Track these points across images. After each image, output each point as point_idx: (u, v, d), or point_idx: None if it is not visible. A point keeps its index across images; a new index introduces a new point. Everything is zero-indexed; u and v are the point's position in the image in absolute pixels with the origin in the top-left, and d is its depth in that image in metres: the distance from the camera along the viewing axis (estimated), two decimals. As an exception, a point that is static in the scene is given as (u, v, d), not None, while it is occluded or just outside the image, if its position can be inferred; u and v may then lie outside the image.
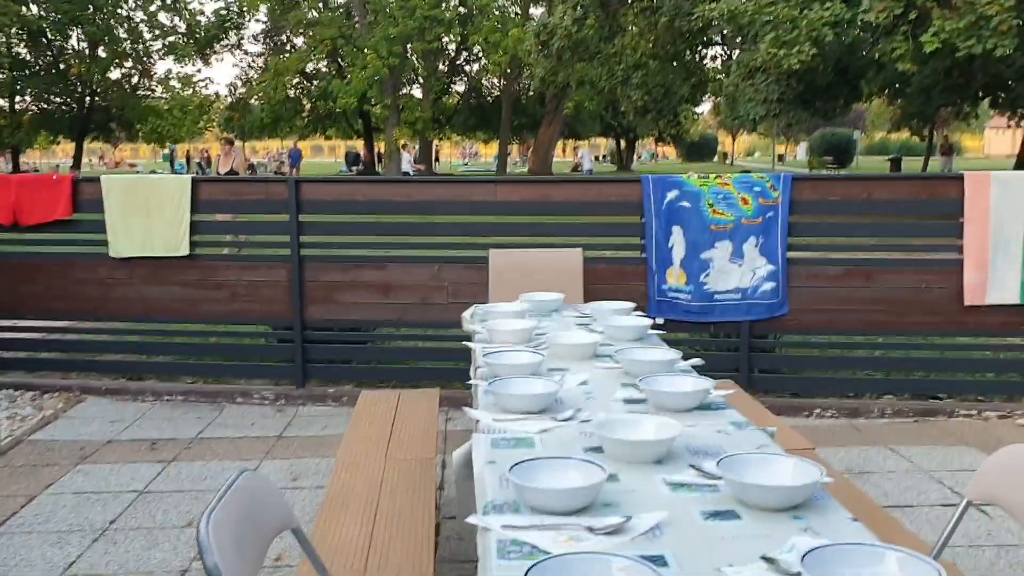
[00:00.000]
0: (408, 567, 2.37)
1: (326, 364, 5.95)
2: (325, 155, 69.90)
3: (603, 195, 5.69)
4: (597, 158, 56.40)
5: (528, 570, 1.39)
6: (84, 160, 34.50)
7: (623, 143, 51.73)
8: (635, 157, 56.43)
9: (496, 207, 5.73)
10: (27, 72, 29.06)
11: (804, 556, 1.41)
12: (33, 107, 30.48)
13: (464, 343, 3.53)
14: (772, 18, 15.55)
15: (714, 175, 5.63)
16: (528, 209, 5.73)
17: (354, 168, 41.00)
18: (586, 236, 5.71)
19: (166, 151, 40.59)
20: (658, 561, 1.56)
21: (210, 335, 6.13)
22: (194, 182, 5.74)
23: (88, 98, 30.74)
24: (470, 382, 3.00)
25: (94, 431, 5.22)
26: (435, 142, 43.25)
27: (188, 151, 40.80)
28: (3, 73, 27.82)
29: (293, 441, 5.06)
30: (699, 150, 61.60)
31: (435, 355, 5.99)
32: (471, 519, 1.78)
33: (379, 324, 5.92)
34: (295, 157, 38.74)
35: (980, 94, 20.13)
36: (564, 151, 59.71)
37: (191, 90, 31.81)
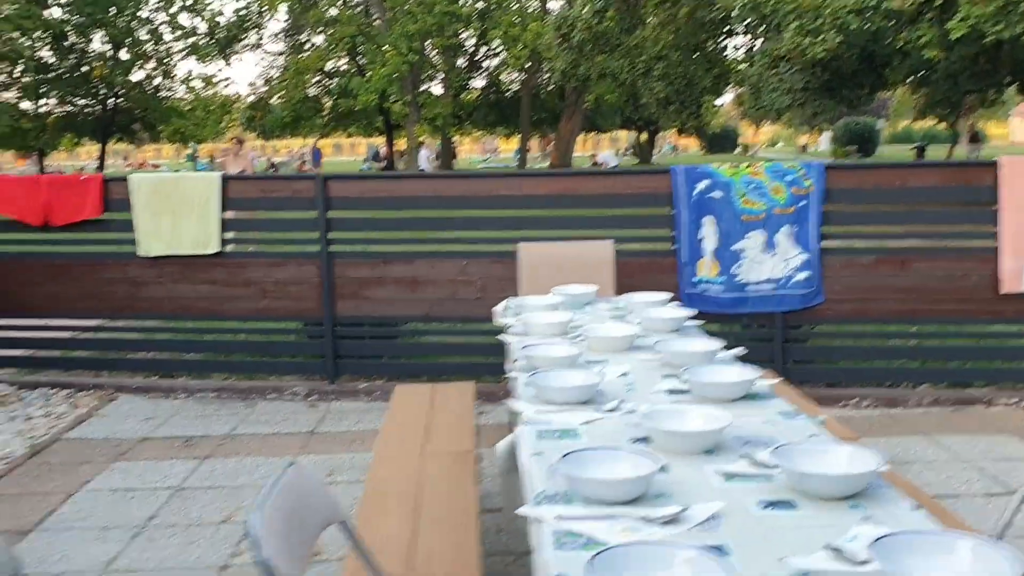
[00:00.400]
0: (454, 560, 2.35)
1: (357, 359, 5.95)
2: (345, 153, 70.04)
3: (631, 187, 5.65)
4: (618, 152, 56.14)
5: (593, 557, 1.37)
6: (108, 161, 34.77)
7: (644, 136, 51.51)
8: (656, 150, 56.19)
9: (523, 201, 5.70)
10: (51, 75, 29.28)
11: (873, 544, 1.38)
12: (57, 110, 30.72)
13: (495, 337, 3.51)
14: (795, 6, 15.41)
15: (745, 164, 5.58)
16: (556, 203, 5.70)
17: (375, 163, 41.08)
18: (614, 229, 5.66)
19: (189, 151, 40.84)
20: (718, 551, 1.53)
21: (241, 332, 6.14)
22: (223, 180, 5.75)
23: (111, 100, 30.96)
24: (508, 375, 2.97)
25: (128, 429, 5.25)
26: (454, 138, 43.24)
27: (212, 152, 41.00)
28: (28, 76, 28.05)
29: (327, 436, 5.06)
30: (721, 142, 61.22)
31: (464, 350, 5.97)
32: (522, 510, 1.76)
33: (408, 319, 5.92)
34: (316, 156, 38.87)
35: (1007, 80, 19.86)
36: (585, 145, 59.54)
37: (213, 90, 31.97)
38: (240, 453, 4.81)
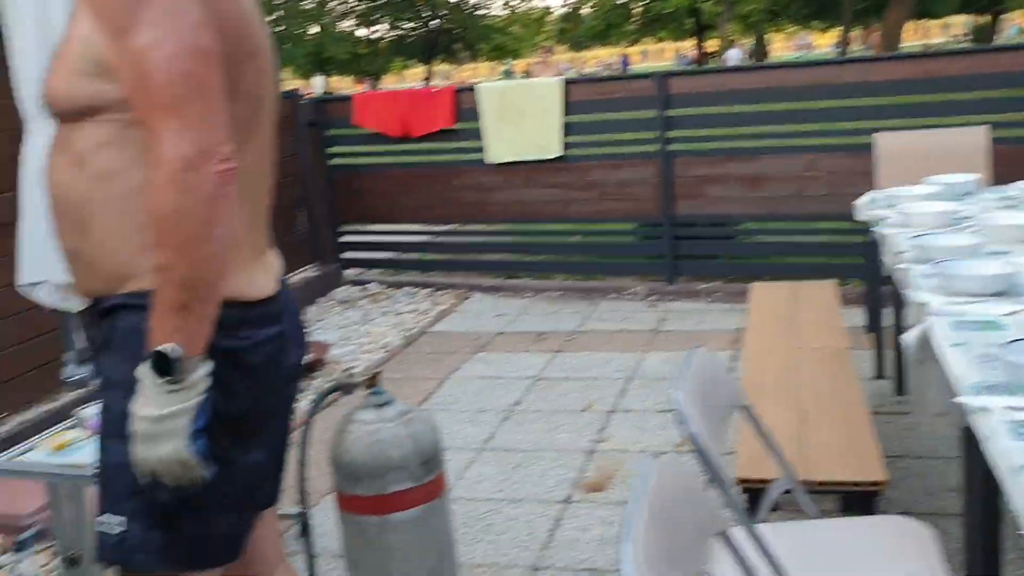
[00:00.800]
0: (851, 455, 2.29)
1: (695, 260, 5.92)
2: (652, 59, 69.11)
3: (1006, 65, 5.04)
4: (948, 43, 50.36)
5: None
6: (432, 83, 36.96)
7: (985, 19, 45.82)
8: (998, 35, 49.79)
9: (877, 88, 5.29)
10: (381, 2, 31.42)
11: None
12: (388, 35, 33.01)
13: (844, 236, 3.31)
14: None
15: None
16: (913, 88, 5.23)
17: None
18: (985, 114, 5.10)
19: (504, 68, 42.30)
20: None
21: (581, 234, 6.33)
22: (564, 84, 5.86)
23: (434, 21, 32.71)
24: (895, 267, 2.80)
25: (484, 324, 5.63)
26: (765, 36, 41.05)
27: (526, 68, 42.11)
28: (362, 5, 30.34)
29: (670, 335, 5.12)
30: (1083, 18, 52.86)
31: (810, 250, 5.73)
32: (961, 399, 1.65)
33: (749, 218, 5.78)
34: (624, 64, 38.74)
35: None
36: (913, 35, 54.04)
37: (527, 6, 32.76)
38: (589, 348, 4.99)
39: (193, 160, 1.32)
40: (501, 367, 4.82)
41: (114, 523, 1.47)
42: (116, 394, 1.45)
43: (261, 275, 1.61)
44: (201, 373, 1.38)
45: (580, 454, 3.67)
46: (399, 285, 6.55)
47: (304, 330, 1.76)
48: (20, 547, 3.08)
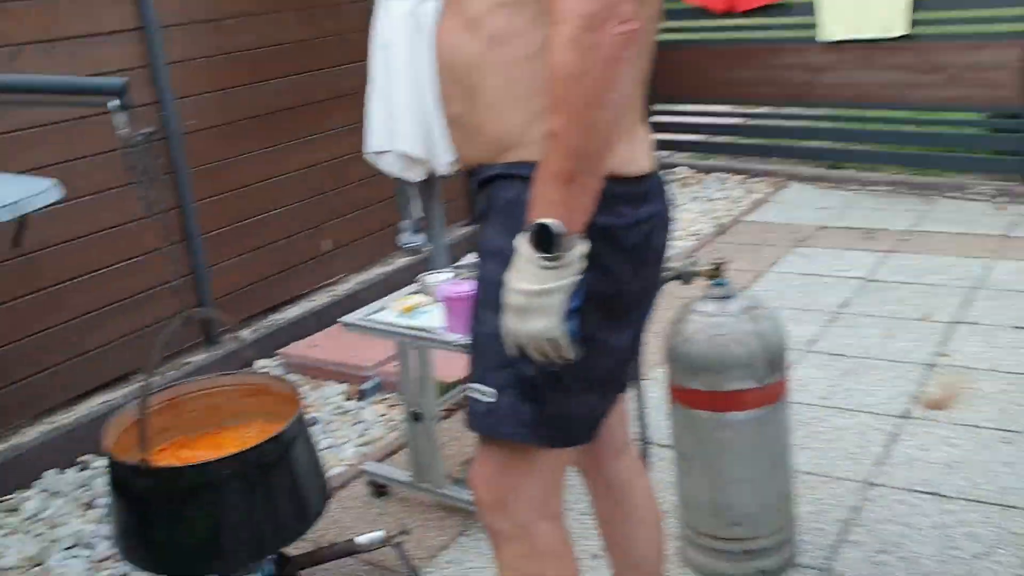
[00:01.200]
0: None
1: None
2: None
3: None
4: None
5: None
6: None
7: None
8: None
9: None
10: None
11: None
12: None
13: None
14: None
15: None
16: None
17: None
18: None
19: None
20: None
21: (918, 122, 5.71)
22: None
23: None
24: None
25: (803, 216, 5.27)
26: None
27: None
28: None
29: (1023, 242, 4.52)
30: None
31: None
32: None
33: None
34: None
35: None
36: None
37: None
38: (927, 251, 4.52)
39: (595, 19, 1.20)
40: (825, 264, 4.50)
41: (485, 392, 1.46)
42: (493, 264, 1.41)
43: (639, 150, 1.50)
44: (579, 252, 1.30)
45: (919, 367, 3.35)
46: (709, 170, 6.28)
47: (673, 211, 1.65)
48: (363, 396, 3.33)
